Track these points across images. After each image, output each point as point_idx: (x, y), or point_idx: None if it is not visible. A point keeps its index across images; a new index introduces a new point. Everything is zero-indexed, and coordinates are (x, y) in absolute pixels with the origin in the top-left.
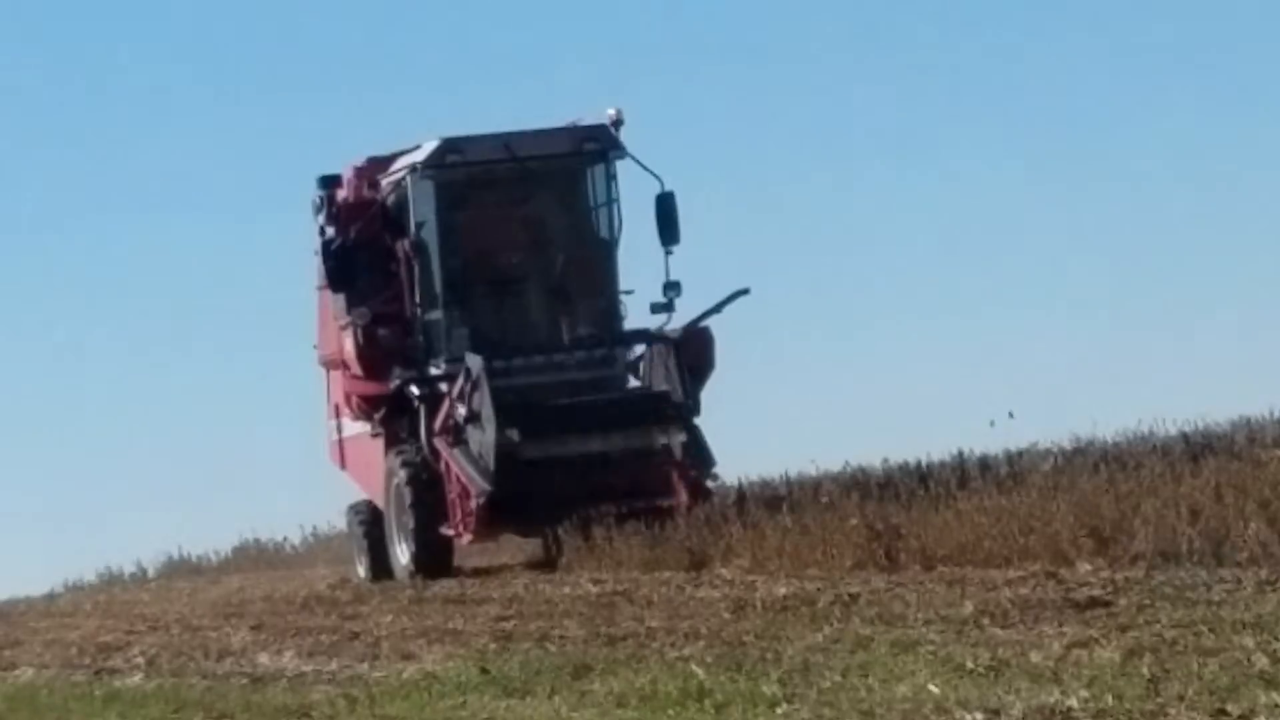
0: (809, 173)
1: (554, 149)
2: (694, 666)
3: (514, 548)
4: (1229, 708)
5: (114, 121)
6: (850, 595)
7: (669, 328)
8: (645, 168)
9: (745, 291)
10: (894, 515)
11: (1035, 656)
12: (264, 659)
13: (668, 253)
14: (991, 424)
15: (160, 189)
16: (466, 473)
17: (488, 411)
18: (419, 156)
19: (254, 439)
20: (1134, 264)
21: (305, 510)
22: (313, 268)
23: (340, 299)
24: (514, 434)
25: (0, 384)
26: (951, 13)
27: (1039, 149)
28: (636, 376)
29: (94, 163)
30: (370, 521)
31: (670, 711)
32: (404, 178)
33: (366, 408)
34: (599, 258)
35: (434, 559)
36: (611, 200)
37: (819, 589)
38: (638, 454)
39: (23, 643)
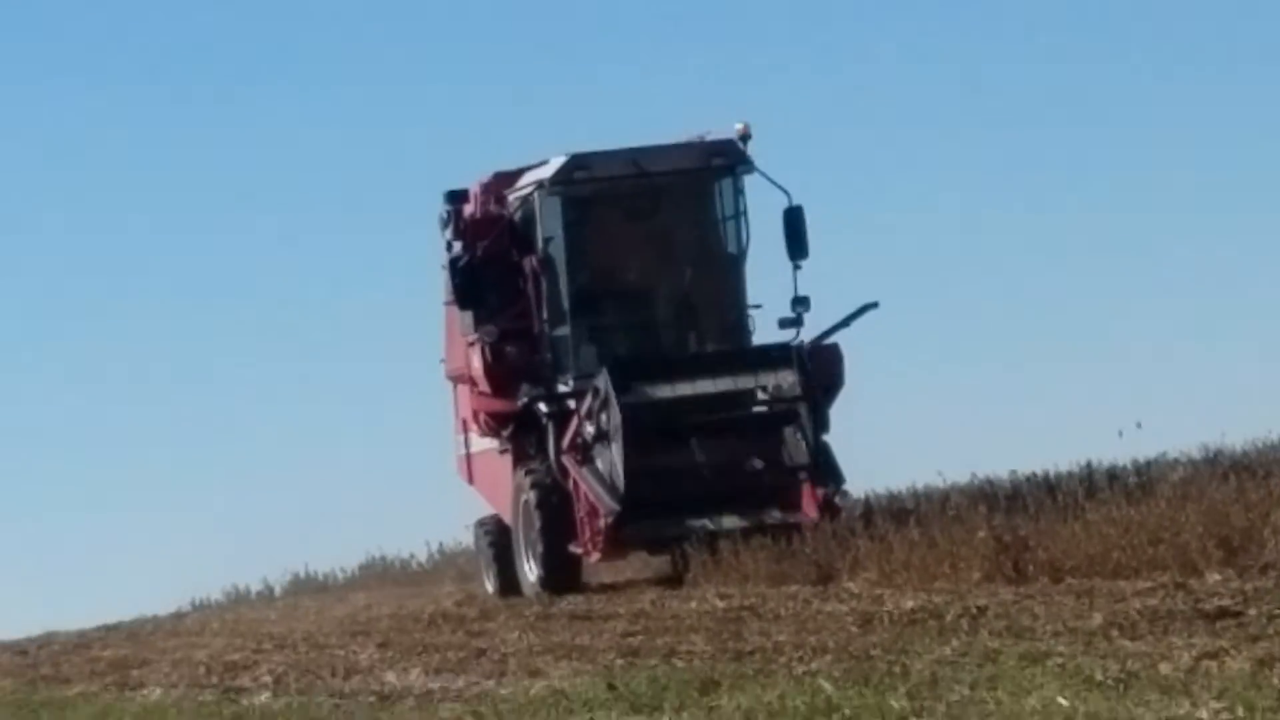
0: (936, 185)
1: (682, 164)
2: (822, 681)
3: (641, 563)
4: None
5: (247, 134)
6: (978, 608)
7: (797, 342)
8: (773, 182)
9: (874, 305)
10: (1022, 527)
11: (1165, 668)
12: (391, 677)
13: (796, 267)
14: (1120, 434)
15: (293, 203)
16: (595, 491)
17: (616, 430)
18: (546, 172)
19: (380, 454)
20: (1264, 271)
21: (431, 526)
22: (440, 282)
23: (468, 315)
24: (641, 451)
25: (130, 402)
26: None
27: (1169, 156)
28: (765, 392)
29: (229, 175)
30: (498, 537)
31: None
32: (531, 193)
33: (494, 424)
34: (727, 273)
35: (562, 576)
36: (739, 215)
37: (947, 602)
38: (767, 469)
39: (151, 662)
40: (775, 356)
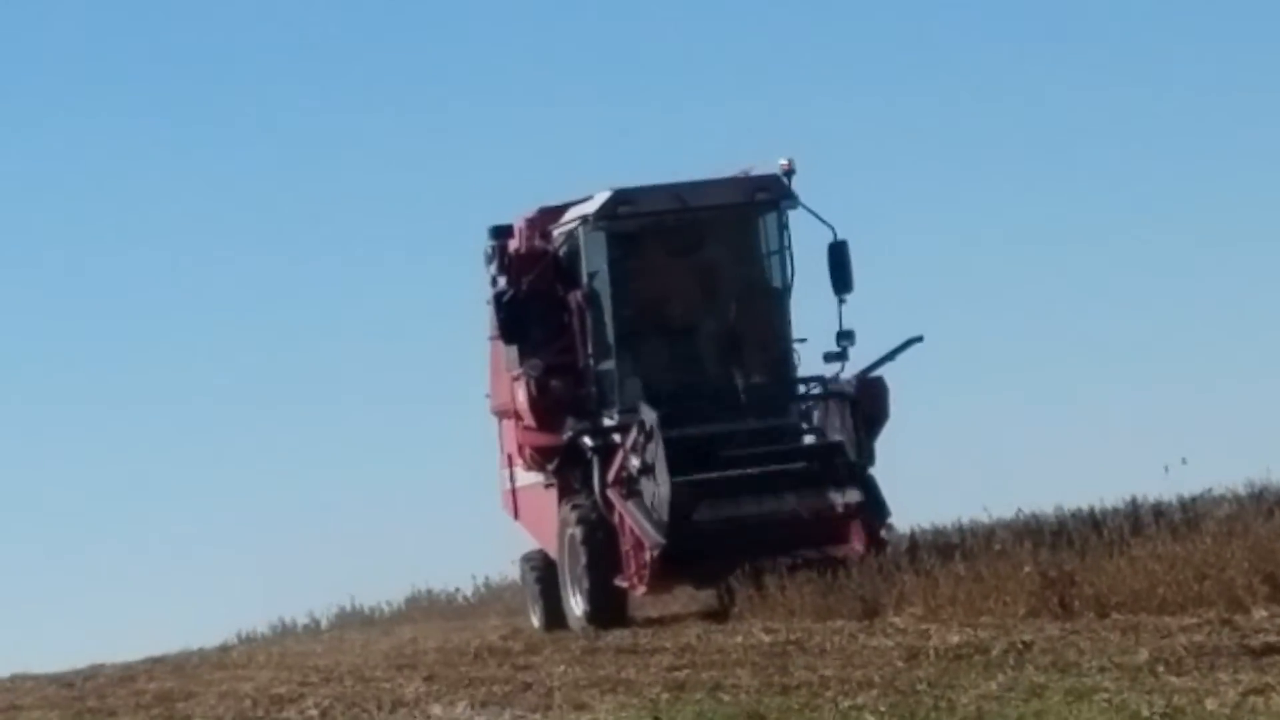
0: (981, 220)
1: (726, 199)
2: (867, 715)
3: (687, 597)
4: None
5: (293, 172)
6: (1024, 643)
7: (843, 376)
8: (818, 216)
9: (919, 339)
10: (1067, 562)
11: (1211, 704)
12: (437, 710)
13: (841, 301)
14: (1165, 470)
15: (340, 240)
16: (640, 525)
17: (661, 464)
18: (591, 207)
19: (426, 489)
20: None
21: (477, 560)
22: (484, 317)
23: (512, 350)
24: (686, 485)
25: (179, 436)
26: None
27: (1217, 193)
28: (810, 424)
29: (280, 215)
30: (544, 572)
31: None
32: (576, 228)
33: (539, 458)
34: (771, 307)
35: (608, 610)
36: (784, 249)
37: (992, 637)
38: (813, 501)
39: (196, 694)
40: (821, 392)
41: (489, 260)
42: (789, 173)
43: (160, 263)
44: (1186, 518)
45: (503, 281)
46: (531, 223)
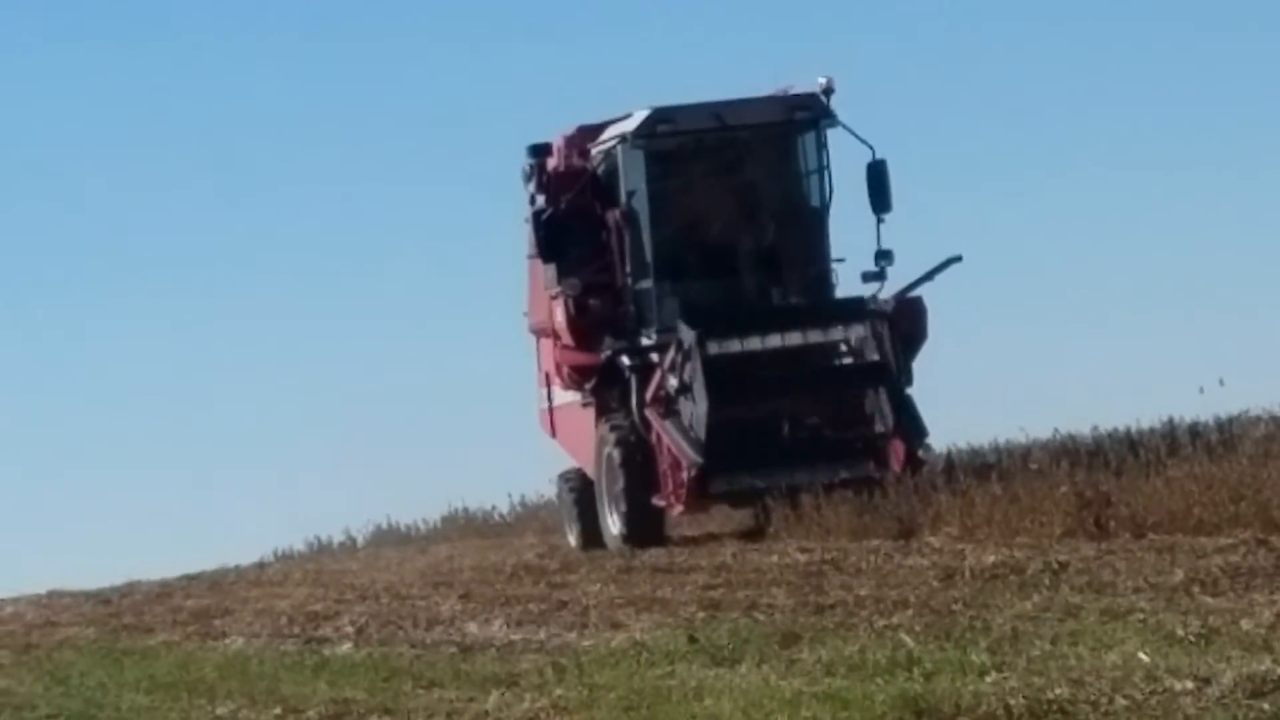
0: (1020, 139)
1: (765, 117)
2: (903, 635)
3: (723, 517)
4: None
5: (335, 86)
6: (1059, 563)
7: (881, 296)
8: (857, 136)
9: (957, 259)
10: (1103, 483)
11: (1246, 624)
12: (473, 628)
13: (879, 221)
14: (1201, 390)
15: (381, 157)
16: (678, 444)
17: (699, 383)
18: (629, 126)
19: (463, 408)
20: None
21: (514, 479)
22: (523, 236)
23: (551, 269)
24: (725, 404)
25: (219, 353)
26: None
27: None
28: (849, 346)
29: (308, 128)
30: (581, 490)
31: (879, 680)
32: (614, 147)
33: (577, 377)
34: (810, 226)
35: (645, 529)
36: (822, 168)
37: (1028, 557)
38: (850, 420)
39: (233, 612)
40: (859, 311)
41: (527, 179)
42: (828, 91)
43: (203, 178)
44: (1223, 438)
45: (541, 200)
46: (570, 141)
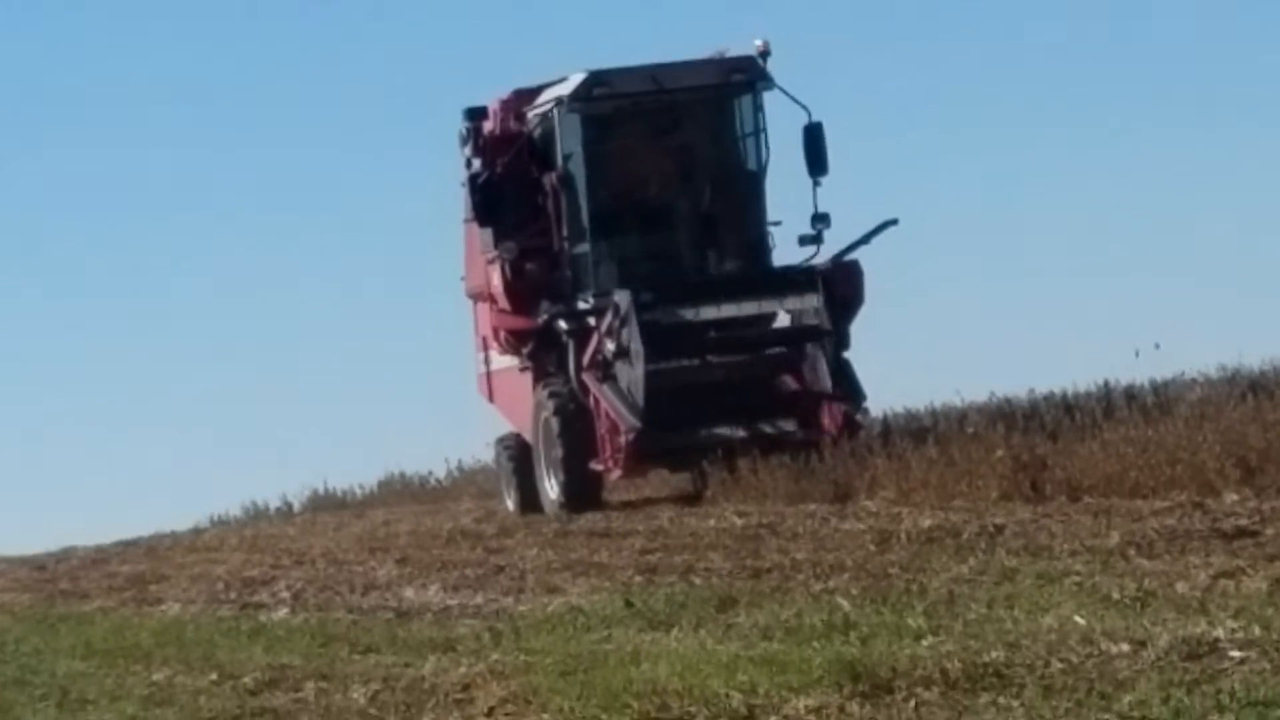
0: (955, 102)
1: (701, 80)
2: (839, 599)
3: (660, 481)
4: None
5: (265, 50)
6: (996, 526)
7: (817, 260)
8: (793, 98)
9: (893, 222)
10: (1039, 446)
11: (1182, 587)
12: (409, 593)
13: (816, 184)
14: (1137, 354)
15: (312, 119)
16: (616, 408)
17: (636, 347)
18: (566, 89)
19: (400, 372)
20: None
21: (451, 444)
22: (460, 199)
23: (487, 233)
24: (662, 368)
25: (151, 319)
26: None
27: (1185, 77)
28: (785, 309)
29: (252, 94)
30: (518, 455)
31: (815, 644)
32: (551, 110)
33: (514, 341)
34: (747, 190)
35: (582, 493)
36: (759, 131)
37: (964, 520)
38: (786, 385)
39: (169, 578)
40: (796, 278)
41: (464, 142)
42: (764, 54)
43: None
44: (1159, 401)
45: (478, 164)
46: (506, 105)
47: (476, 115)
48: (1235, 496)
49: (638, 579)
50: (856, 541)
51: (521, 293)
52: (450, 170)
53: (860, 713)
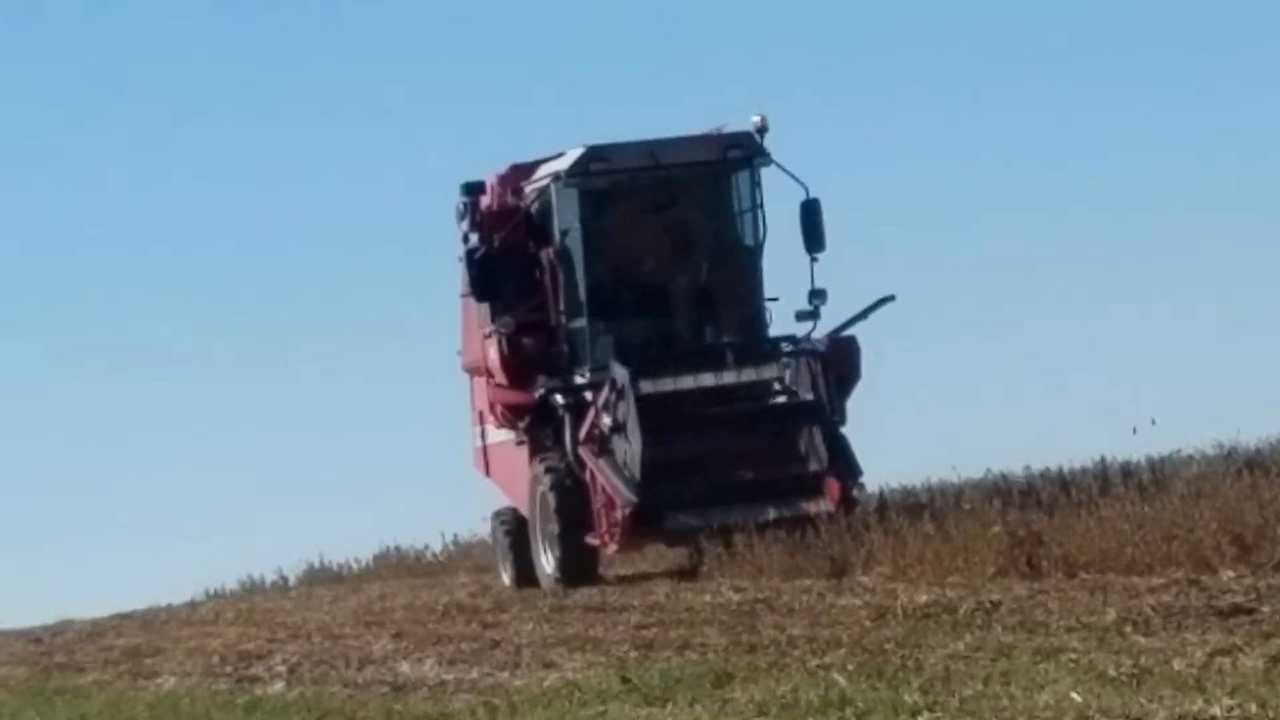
0: (953, 180)
1: (699, 156)
2: (835, 674)
3: (656, 555)
4: None
5: (267, 126)
6: (992, 602)
7: (814, 335)
8: (790, 174)
9: (890, 299)
10: (1036, 522)
11: (1178, 664)
12: (405, 667)
13: (813, 260)
14: (1134, 430)
15: (311, 195)
16: (612, 483)
17: (633, 422)
18: (563, 164)
19: (397, 446)
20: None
21: (446, 518)
22: (456, 274)
23: (484, 307)
24: (658, 443)
25: (148, 393)
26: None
27: (1186, 155)
28: (782, 385)
29: (251, 169)
30: (515, 529)
31: (811, 719)
32: (548, 185)
33: (511, 416)
34: (744, 265)
35: (579, 568)
36: (756, 207)
37: (960, 596)
38: (783, 457)
39: (165, 651)
40: (791, 350)
41: (461, 217)
42: (762, 130)
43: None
44: (1155, 478)
45: (475, 238)
46: (504, 179)
47: (474, 190)
48: (1231, 574)
49: (633, 654)
50: (853, 617)
51: (518, 367)
52: (447, 245)
53: None
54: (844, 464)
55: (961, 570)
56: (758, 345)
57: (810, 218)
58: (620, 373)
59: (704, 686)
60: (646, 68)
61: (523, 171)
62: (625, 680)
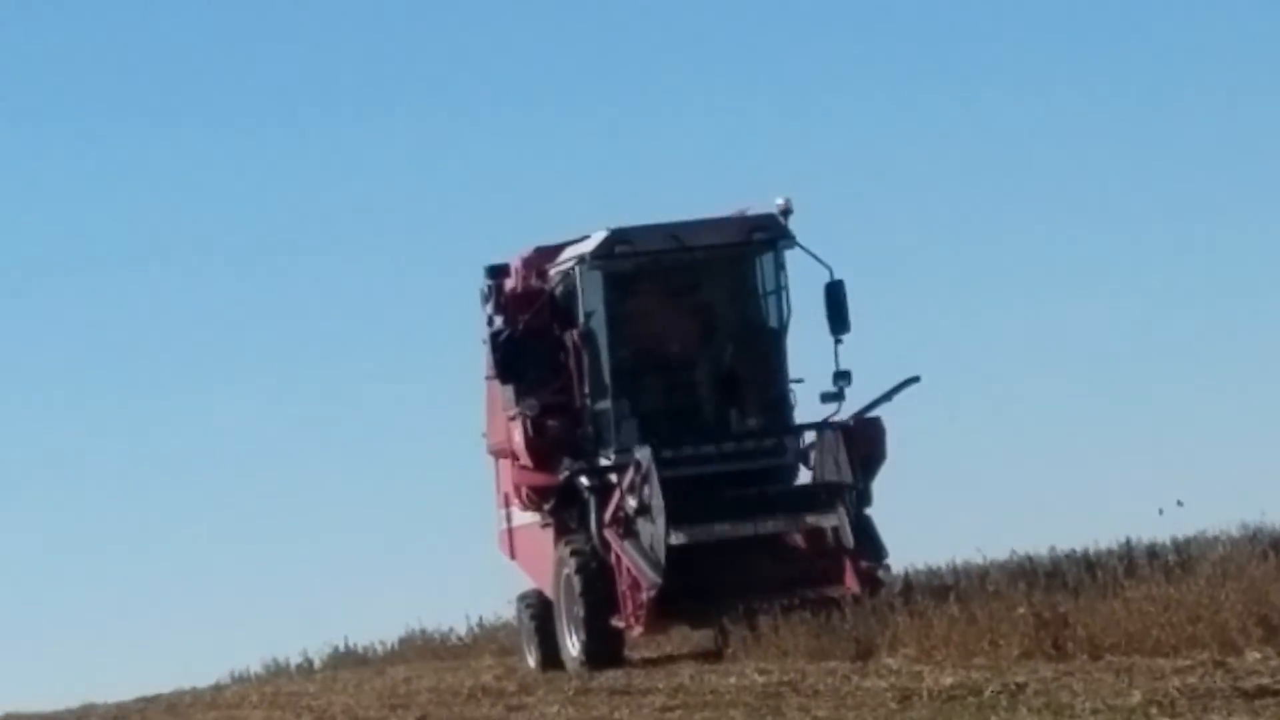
0: (978, 261)
1: (723, 238)
2: None
3: (681, 637)
4: None
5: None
6: (1017, 684)
7: (839, 417)
8: (815, 256)
9: (916, 380)
10: (1061, 604)
11: None
12: None
13: (837, 341)
14: (1160, 512)
15: (335, 276)
16: (637, 565)
17: (658, 504)
18: (587, 247)
19: (422, 529)
20: None
21: (471, 600)
22: (480, 356)
23: (509, 390)
24: (683, 531)
25: (175, 474)
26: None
27: (1210, 237)
28: (807, 467)
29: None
30: (540, 612)
31: None
32: (573, 268)
33: (536, 498)
34: (768, 347)
35: (604, 650)
36: (780, 289)
37: (986, 678)
38: (809, 541)
39: None
40: (817, 433)
41: (485, 299)
42: (786, 212)
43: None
44: (1181, 559)
45: (499, 321)
46: (528, 262)
47: (498, 273)
48: (1257, 655)
49: None
50: (878, 699)
51: (543, 449)
52: (472, 327)
53: None
54: (869, 545)
55: (987, 652)
56: (782, 428)
57: (835, 300)
58: (644, 455)
59: None
60: (670, 149)
61: (547, 254)
62: None
